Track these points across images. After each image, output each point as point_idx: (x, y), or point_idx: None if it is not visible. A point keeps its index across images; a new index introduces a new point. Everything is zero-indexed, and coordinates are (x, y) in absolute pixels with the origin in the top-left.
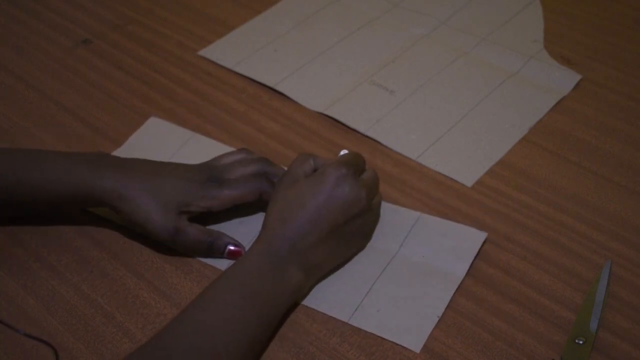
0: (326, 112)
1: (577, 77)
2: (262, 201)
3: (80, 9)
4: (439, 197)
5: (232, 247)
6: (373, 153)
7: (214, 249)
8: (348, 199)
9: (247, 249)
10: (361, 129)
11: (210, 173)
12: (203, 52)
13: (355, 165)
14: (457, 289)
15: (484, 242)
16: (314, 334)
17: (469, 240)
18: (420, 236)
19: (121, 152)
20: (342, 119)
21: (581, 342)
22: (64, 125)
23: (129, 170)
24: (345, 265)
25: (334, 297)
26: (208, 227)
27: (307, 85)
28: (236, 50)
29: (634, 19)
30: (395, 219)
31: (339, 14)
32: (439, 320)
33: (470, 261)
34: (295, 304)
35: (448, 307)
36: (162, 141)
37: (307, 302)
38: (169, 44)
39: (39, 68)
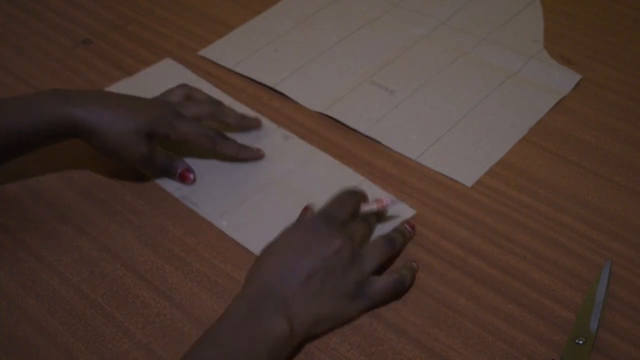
0: (326, 112)
1: (577, 77)
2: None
3: (80, 9)
4: (439, 197)
5: (181, 169)
6: (373, 153)
7: (170, 170)
8: (321, 246)
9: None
10: (361, 129)
11: (169, 105)
12: (203, 52)
13: (340, 211)
14: (457, 289)
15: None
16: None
17: (397, 213)
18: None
19: (129, 82)
20: (342, 119)
21: (581, 342)
22: None
23: (95, 100)
24: (279, 209)
25: (257, 234)
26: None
27: (307, 85)
28: (236, 50)
29: (634, 19)
30: (339, 178)
31: (339, 14)
32: (438, 321)
33: (388, 230)
34: None
35: (448, 306)
36: (170, 81)
37: (230, 232)
38: (169, 44)
39: (39, 68)
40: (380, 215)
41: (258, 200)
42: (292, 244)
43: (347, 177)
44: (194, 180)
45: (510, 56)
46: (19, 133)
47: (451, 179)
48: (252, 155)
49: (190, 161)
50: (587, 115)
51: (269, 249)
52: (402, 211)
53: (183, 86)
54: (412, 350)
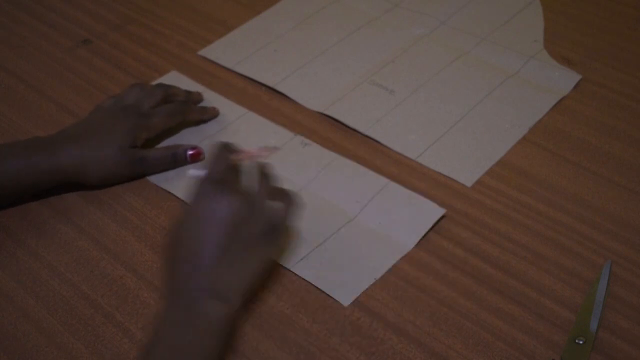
0: (326, 112)
1: (577, 77)
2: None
3: (80, 9)
4: (439, 197)
5: (191, 151)
6: (373, 153)
7: (177, 159)
8: (219, 213)
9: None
10: (361, 129)
11: (132, 112)
12: (203, 52)
13: (219, 169)
14: (457, 289)
15: (440, 220)
16: (314, 334)
17: (426, 214)
18: (382, 204)
19: None
20: (342, 119)
21: (581, 342)
22: (64, 125)
23: (68, 139)
24: (303, 219)
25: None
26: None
27: (307, 85)
28: (236, 50)
29: (634, 19)
30: (363, 183)
31: (339, 14)
32: (439, 320)
33: (422, 234)
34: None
35: (448, 306)
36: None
37: None
38: (169, 44)
39: (39, 68)
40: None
41: None
42: (192, 222)
43: (371, 180)
44: (204, 154)
45: (510, 56)
46: (21, 188)
47: (451, 179)
48: (214, 113)
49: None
50: (587, 115)
51: (174, 238)
52: (430, 211)
53: (134, 86)
54: (412, 350)
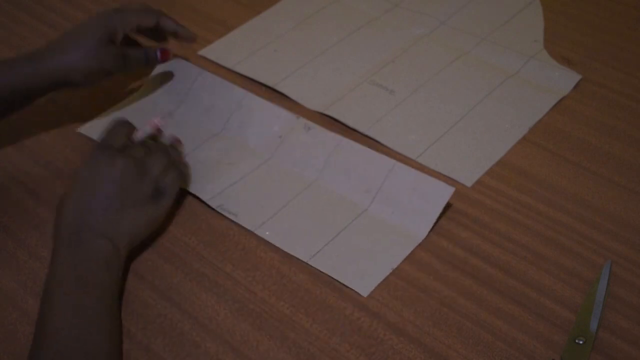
0: (326, 112)
1: (577, 77)
2: (160, 28)
3: (80, 9)
4: None
5: (160, 51)
6: None
7: (149, 56)
8: (107, 171)
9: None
10: (361, 128)
11: (108, 9)
12: (203, 52)
13: (113, 139)
14: (457, 289)
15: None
16: (314, 334)
17: (437, 194)
18: (391, 190)
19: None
20: (342, 119)
21: (581, 342)
22: (64, 125)
23: (49, 45)
24: (315, 212)
25: (300, 240)
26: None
27: (307, 85)
28: (236, 50)
29: (634, 19)
30: (370, 167)
31: (339, 14)
32: (439, 321)
33: (435, 219)
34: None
35: (448, 306)
36: (178, 78)
37: (273, 239)
38: (169, 44)
39: None
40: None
41: (295, 206)
42: (85, 181)
43: (378, 162)
44: (172, 54)
45: (510, 56)
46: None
47: (451, 179)
48: (189, 33)
49: (223, 169)
50: (587, 115)
51: (66, 195)
52: (440, 191)
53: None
54: (412, 350)
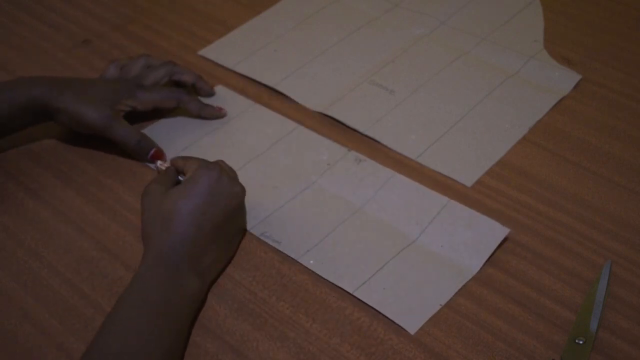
0: (326, 112)
1: (577, 77)
2: (180, 108)
3: (80, 9)
4: None
5: (155, 150)
6: (373, 153)
7: (142, 148)
8: (227, 198)
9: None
10: (361, 128)
11: (128, 80)
12: (203, 52)
13: (220, 165)
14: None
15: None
16: (314, 334)
17: (490, 234)
18: (443, 225)
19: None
20: (342, 119)
21: (581, 342)
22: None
23: (58, 83)
24: (362, 241)
25: (345, 270)
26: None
27: (307, 85)
28: (236, 50)
29: (634, 19)
30: (422, 203)
31: (339, 14)
32: (439, 320)
33: (487, 257)
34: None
35: (448, 307)
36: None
37: (318, 269)
38: (169, 44)
39: (39, 68)
40: None
41: (341, 234)
42: (196, 200)
43: (429, 199)
44: (166, 159)
45: (510, 56)
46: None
47: (451, 179)
48: (214, 113)
49: (267, 193)
50: (587, 115)
51: (168, 199)
52: (494, 230)
53: (141, 56)
54: (412, 350)
